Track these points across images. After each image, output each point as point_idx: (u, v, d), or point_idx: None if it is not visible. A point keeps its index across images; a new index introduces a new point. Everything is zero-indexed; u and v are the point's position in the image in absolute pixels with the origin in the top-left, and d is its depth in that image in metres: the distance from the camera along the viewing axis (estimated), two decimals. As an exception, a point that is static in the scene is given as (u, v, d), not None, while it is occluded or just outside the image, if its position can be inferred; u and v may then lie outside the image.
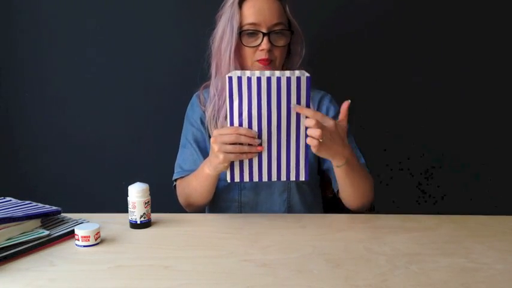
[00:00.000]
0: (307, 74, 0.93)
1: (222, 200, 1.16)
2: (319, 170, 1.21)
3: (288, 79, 0.92)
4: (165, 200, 1.08)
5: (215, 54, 1.13)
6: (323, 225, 1.00)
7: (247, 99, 0.93)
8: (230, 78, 0.92)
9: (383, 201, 1.46)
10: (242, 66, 1.12)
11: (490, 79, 1.46)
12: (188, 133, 1.20)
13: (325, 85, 1.22)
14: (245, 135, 0.94)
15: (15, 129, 1.53)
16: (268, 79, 0.92)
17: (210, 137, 1.17)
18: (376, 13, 1.43)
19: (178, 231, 0.98)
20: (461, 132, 1.48)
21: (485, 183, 1.49)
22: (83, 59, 1.48)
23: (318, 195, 1.24)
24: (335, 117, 1.18)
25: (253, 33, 1.08)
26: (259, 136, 0.96)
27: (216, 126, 1.14)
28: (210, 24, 1.15)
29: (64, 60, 1.49)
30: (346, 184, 1.04)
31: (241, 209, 1.16)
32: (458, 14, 1.43)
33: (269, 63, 1.09)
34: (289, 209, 1.16)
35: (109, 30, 1.47)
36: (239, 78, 0.92)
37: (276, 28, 1.08)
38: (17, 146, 1.54)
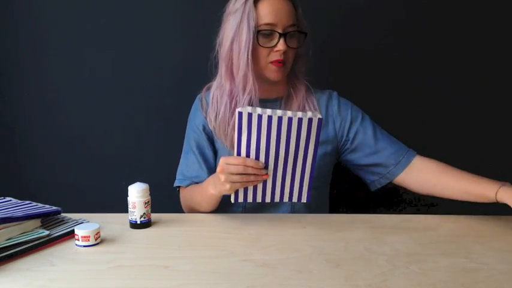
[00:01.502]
0: (320, 116, 0.92)
1: (226, 205, 1.15)
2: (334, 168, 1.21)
3: (300, 120, 0.91)
4: (165, 200, 1.08)
5: (226, 55, 1.10)
6: (323, 225, 1.00)
7: (256, 134, 0.92)
8: (240, 114, 0.91)
9: (383, 201, 1.46)
10: (255, 67, 1.09)
11: (491, 81, 1.46)
12: (190, 139, 1.20)
13: (332, 86, 1.22)
14: (252, 167, 0.94)
15: (15, 129, 1.53)
16: (280, 118, 0.91)
17: (212, 142, 1.17)
18: (384, 15, 1.43)
19: (178, 231, 0.98)
20: (461, 133, 1.48)
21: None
22: (83, 59, 1.48)
23: (325, 195, 1.23)
24: (352, 109, 1.17)
25: (269, 34, 1.07)
26: (266, 166, 0.95)
27: (225, 133, 1.13)
28: (213, 23, 1.14)
29: (64, 60, 1.49)
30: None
31: (245, 213, 1.15)
32: (464, 18, 1.42)
33: (283, 64, 1.08)
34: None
35: (109, 30, 1.46)
36: (249, 115, 0.91)
37: (291, 29, 1.07)
38: (17, 146, 1.54)
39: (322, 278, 0.76)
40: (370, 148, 1.14)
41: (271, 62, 1.08)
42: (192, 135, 1.19)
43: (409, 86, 1.46)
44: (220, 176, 0.95)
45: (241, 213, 1.14)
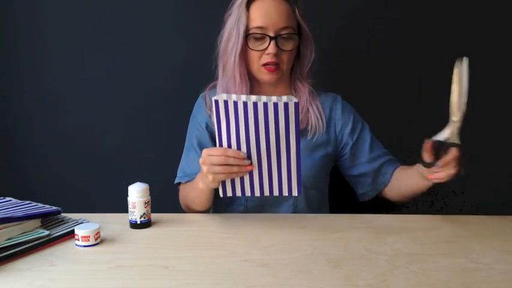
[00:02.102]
0: (295, 100, 0.90)
1: (227, 205, 1.15)
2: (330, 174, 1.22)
3: (275, 105, 0.90)
4: (165, 200, 1.08)
5: (222, 56, 1.13)
6: (323, 225, 1.00)
7: (235, 122, 0.92)
8: (216, 102, 0.91)
9: (383, 201, 1.45)
10: (248, 70, 1.12)
11: (492, 81, 1.46)
12: (192, 136, 1.20)
13: (336, 88, 1.22)
14: (234, 157, 0.93)
15: (15, 129, 1.53)
16: (255, 104, 0.90)
17: (214, 140, 1.17)
18: (388, 18, 1.42)
19: (178, 231, 0.98)
20: (462, 133, 1.48)
21: (485, 182, 1.49)
22: (83, 59, 1.48)
23: (325, 196, 1.23)
24: (355, 116, 1.19)
25: (261, 37, 1.07)
26: (249, 156, 0.94)
27: None
28: (213, 23, 1.14)
29: (64, 61, 1.49)
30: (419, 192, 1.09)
31: (247, 213, 1.15)
32: (466, 20, 1.43)
33: (276, 68, 1.08)
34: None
35: (109, 30, 1.47)
36: (225, 102, 0.90)
37: (284, 32, 1.07)
38: (17, 146, 1.54)
39: (322, 278, 0.76)
40: (364, 157, 1.17)
41: (264, 65, 1.09)
42: (194, 133, 1.19)
43: (412, 89, 1.46)
44: (202, 167, 0.95)
45: (243, 212, 1.14)
